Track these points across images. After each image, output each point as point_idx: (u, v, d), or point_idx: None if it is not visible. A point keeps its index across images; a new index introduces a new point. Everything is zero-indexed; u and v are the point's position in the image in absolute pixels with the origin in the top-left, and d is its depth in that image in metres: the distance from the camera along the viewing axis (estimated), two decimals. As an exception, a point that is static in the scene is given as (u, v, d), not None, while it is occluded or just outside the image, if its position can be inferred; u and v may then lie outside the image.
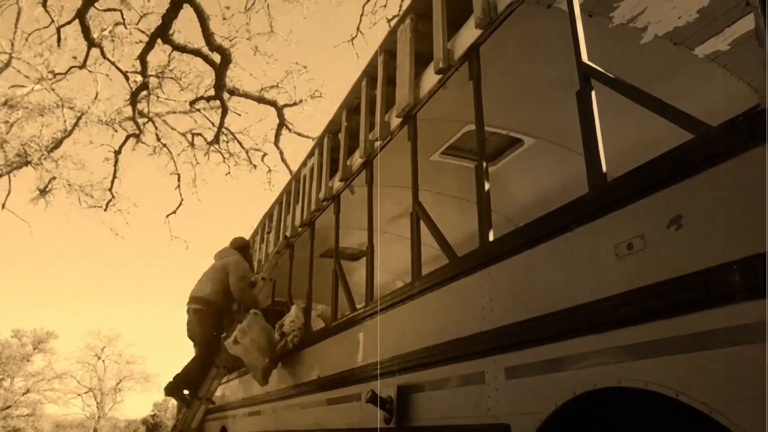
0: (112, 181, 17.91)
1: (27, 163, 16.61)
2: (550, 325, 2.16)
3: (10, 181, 17.37)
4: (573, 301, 2.07)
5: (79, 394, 44.97)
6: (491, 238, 2.79)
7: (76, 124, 16.62)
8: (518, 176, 4.85)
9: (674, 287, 1.69)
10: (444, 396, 2.79)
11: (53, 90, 16.14)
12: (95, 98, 16.49)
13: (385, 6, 14.44)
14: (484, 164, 2.96)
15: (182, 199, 18.44)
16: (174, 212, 18.58)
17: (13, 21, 14.34)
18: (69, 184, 17.94)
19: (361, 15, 14.60)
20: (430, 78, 3.57)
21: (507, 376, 2.36)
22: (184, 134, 17.66)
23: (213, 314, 5.80)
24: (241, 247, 6.34)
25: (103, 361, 46.08)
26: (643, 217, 1.86)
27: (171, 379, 5.75)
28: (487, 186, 2.92)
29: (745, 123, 1.59)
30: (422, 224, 3.49)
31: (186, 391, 5.79)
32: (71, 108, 16.59)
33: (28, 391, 40.78)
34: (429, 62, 3.60)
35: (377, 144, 4.25)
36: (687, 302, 1.64)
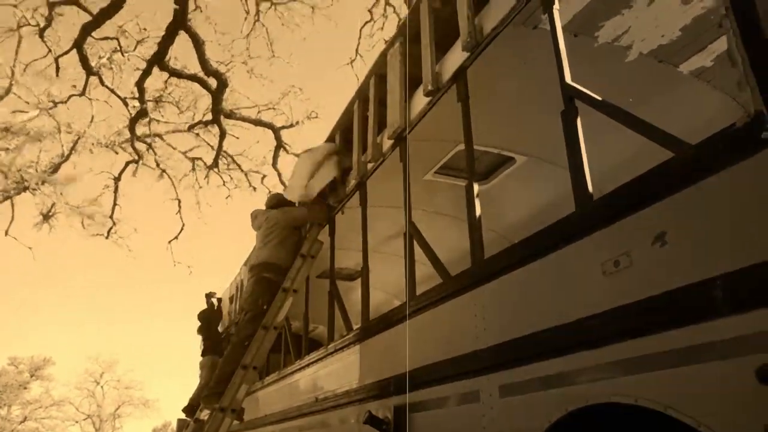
0: (113, 208, 17.94)
1: (25, 188, 16.64)
2: (541, 342, 2.18)
3: (13, 207, 17.39)
4: (563, 318, 2.09)
5: (77, 421, 44.49)
6: (484, 256, 2.82)
7: (73, 148, 16.67)
8: (511, 194, 4.89)
9: (660, 303, 1.72)
10: (440, 415, 2.80)
11: (51, 116, 16.23)
12: (91, 121, 16.55)
13: (382, 29, 14.64)
14: (475, 184, 3.00)
15: (183, 225, 18.46)
16: (176, 238, 18.56)
17: (13, 49, 14.48)
18: (69, 208, 17.95)
19: (359, 38, 14.82)
20: (420, 100, 3.62)
21: (501, 395, 2.38)
22: (184, 153, 17.68)
23: (280, 281, 5.19)
24: (279, 204, 5.72)
25: (102, 387, 45.71)
26: (628, 234, 1.89)
27: (207, 391, 4.86)
28: (478, 206, 2.95)
29: (722, 141, 1.64)
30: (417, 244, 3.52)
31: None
32: (69, 132, 16.66)
33: (25, 419, 40.34)
34: (419, 84, 3.66)
35: (370, 165, 4.30)
36: (672, 318, 1.67)
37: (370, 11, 14.56)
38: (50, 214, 17.81)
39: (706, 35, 3.31)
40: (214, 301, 9.01)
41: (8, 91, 15.06)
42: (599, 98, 2.28)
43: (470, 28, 3.08)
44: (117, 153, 17.12)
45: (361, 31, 14.74)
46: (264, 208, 5.85)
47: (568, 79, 2.42)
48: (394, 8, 14.27)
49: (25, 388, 40.63)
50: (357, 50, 15.03)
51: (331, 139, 5.27)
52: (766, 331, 1.41)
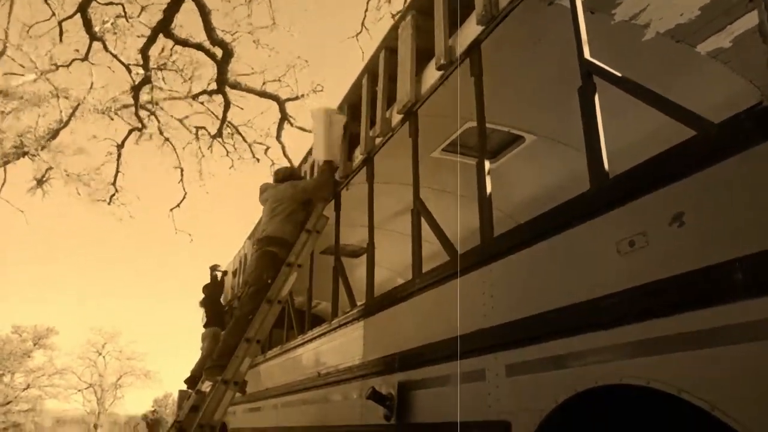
0: (116, 176, 17.91)
1: (24, 154, 16.55)
2: (551, 322, 2.16)
3: (5, 171, 17.33)
4: (574, 298, 2.07)
5: (79, 390, 45.17)
6: (493, 234, 2.79)
7: (72, 114, 16.53)
8: (520, 173, 4.84)
9: (676, 285, 1.68)
10: (445, 393, 2.79)
11: (48, 80, 16.04)
12: (90, 87, 16.38)
13: (389, 1, 14.42)
14: (486, 162, 2.95)
15: (186, 193, 18.45)
16: (178, 206, 18.57)
17: (5, 11, 14.26)
18: (67, 174, 17.88)
19: (366, 10, 14.62)
20: (432, 74, 3.56)
21: (508, 373, 2.36)
22: (182, 121, 17.51)
23: (285, 256, 5.05)
24: (287, 178, 5.60)
25: (104, 357, 46.27)
26: (645, 214, 1.85)
27: (210, 363, 4.76)
28: (488, 184, 2.91)
29: (747, 120, 1.59)
30: (424, 221, 3.49)
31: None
32: (67, 98, 16.49)
33: (28, 386, 40.93)
34: (430, 59, 3.59)
35: (378, 140, 4.24)
36: (689, 300, 1.64)
37: (377, -17, 14.36)
38: (44, 179, 17.76)
39: (725, 15, 3.24)
40: (218, 273, 9.04)
41: (2, 53, 14.87)
42: (618, 74, 2.22)
43: (486, 1, 3.01)
44: (112, 119, 16.99)
45: (368, 3, 14.55)
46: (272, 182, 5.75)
47: (586, 54, 2.36)
48: (403, -20, 14.06)
49: (29, 356, 41.11)
50: (363, 23, 14.86)
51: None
52: (786, 315, 1.38)
